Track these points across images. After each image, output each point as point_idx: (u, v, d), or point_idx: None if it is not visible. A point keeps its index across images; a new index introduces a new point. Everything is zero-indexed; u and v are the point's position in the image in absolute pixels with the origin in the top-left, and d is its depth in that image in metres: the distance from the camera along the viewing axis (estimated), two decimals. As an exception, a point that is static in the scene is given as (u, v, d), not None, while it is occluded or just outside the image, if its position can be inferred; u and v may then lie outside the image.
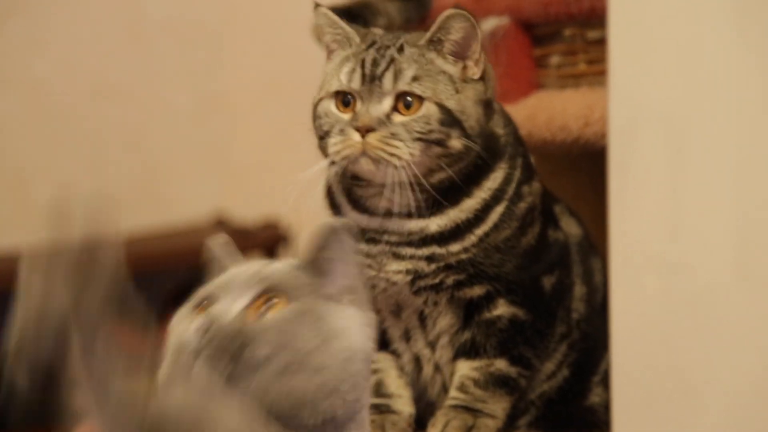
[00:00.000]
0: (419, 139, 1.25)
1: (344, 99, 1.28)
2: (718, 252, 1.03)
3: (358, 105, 1.26)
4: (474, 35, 1.27)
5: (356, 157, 1.25)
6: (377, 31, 1.33)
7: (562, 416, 1.36)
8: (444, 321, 1.33)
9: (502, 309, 1.32)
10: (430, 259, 1.28)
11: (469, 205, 1.29)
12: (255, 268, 0.97)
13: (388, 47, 1.28)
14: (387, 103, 1.26)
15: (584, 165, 1.61)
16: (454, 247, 1.28)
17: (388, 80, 1.26)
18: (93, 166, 3.35)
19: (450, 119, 1.26)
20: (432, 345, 1.34)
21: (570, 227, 1.40)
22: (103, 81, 3.34)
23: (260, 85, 3.39)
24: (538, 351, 1.33)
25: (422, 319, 1.33)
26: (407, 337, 1.35)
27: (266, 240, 3.10)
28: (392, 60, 1.27)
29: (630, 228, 1.06)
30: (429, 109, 1.26)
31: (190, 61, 3.37)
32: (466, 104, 1.27)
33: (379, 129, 1.25)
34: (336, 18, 1.31)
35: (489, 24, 1.55)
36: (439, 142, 1.26)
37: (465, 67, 1.28)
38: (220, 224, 3.30)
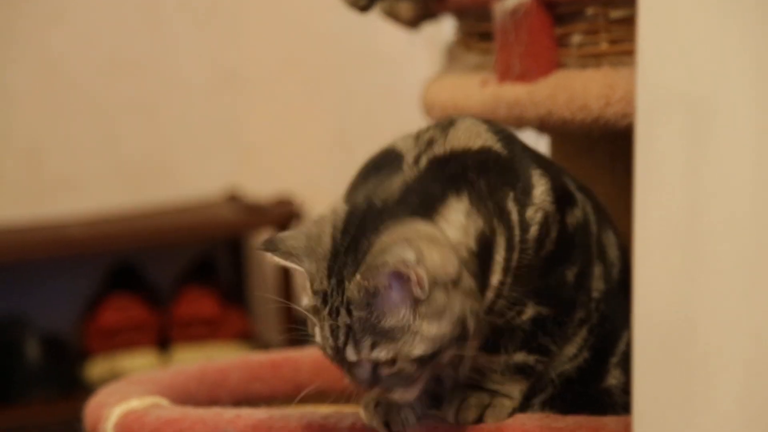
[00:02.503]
0: (414, 382, 1.20)
1: None
2: (741, 230, 1.03)
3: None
4: (397, 273, 1.15)
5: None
6: (322, 251, 1.20)
7: (578, 398, 1.35)
8: None
9: (529, 312, 1.27)
10: None
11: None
12: None
13: (338, 309, 1.17)
14: (366, 366, 1.19)
15: (604, 146, 1.61)
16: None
17: (350, 353, 1.18)
18: (107, 141, 3.35)
19: (426, 358, 1.18)
20: None
21: (584, 204, 1.34)
22: (119, 56, 3.33)
23: (275, 61, 3.38)
24: (556, 338, 1.31)
25: None
26: None
27: (279, 216, 3.10)
28: (347, 328, 1.17)
29: (655, 207, 1.06)
30: (402, 364, 1.18)
31: (205, 36, 3.37)
32: (433, 332, 1.17)
33: (374, 386, 1.20)
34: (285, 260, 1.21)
35: (510, 2, 1.54)
36: (432, 369, 1.20)
37: (413, 294, 1.17)
38: (233, 200, 3.30)
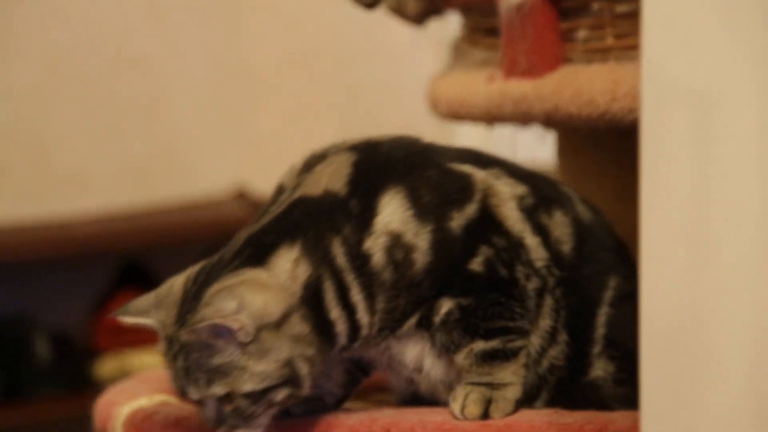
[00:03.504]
0: (252, 419, 1.28)
1: None
2: (747, 224, 1.03)
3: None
4: (217, 325, 1.26)
5: None
6: (168, 305, 1.31)
7: (568, 395, 1.36)
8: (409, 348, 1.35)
9: (446, 306, 1.32)
10: None
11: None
12: None
13: (178, 353, 1.28)
14: (211, 404, 1.28)
15: (610, 141, 1.61)
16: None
17: (191, 392, 1.28)
18: (114, 138, 3.35)
19: (257, 394, 1.27)
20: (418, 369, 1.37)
21: (504, 187, 1.36)
22: (124, 51, 3.33)
23: (281, 57, 3.38)
24: (509, 315, 1.33)
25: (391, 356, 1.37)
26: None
27: (286, 213, 3.09)
28: (186, 370, 1.27)
29: (661, 201, 1.06)
30: (236, 400, 1.27)
31: (211, 32, 3.37)
32: (260, 369, 1.27)
33: (220, 424, 1.29)
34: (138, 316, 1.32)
35: (515, -3, 1.54)
36: (268, 407, 1.28)
37: (238, 336, 1.26)
38: (241, 197, 3.30)
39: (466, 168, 1.36)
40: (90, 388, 2.94)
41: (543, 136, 1.77)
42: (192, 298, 1.28)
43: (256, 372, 1.26)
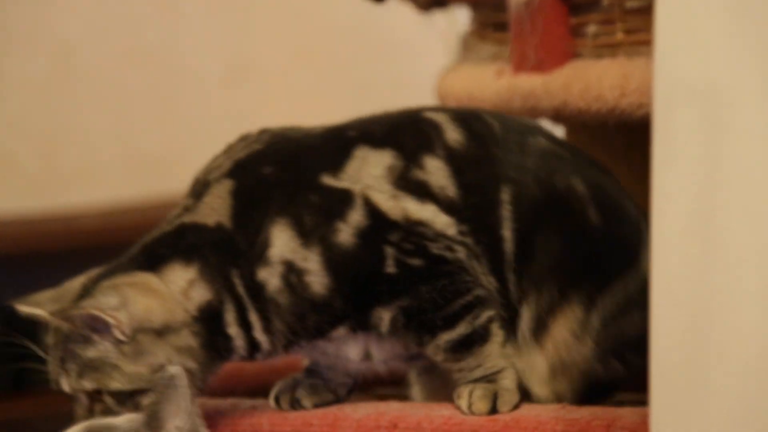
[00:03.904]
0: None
1: None
2: (759, 219, 1.03)
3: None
4: (96, 316, 1.29)
5: None
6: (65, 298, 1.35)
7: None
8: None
9: (386, 315, 1.33)
10: None
11: None
12: None
13: (57, 343, 1.32)
14: (82, 399, 1.31)
15: (619, 136, 1.60)
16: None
17: (63, 383, 1.31)
18: (121, 132, 3.35)
19: (125, 394, 1.29)
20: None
21: (375, 169, 1.35)
22: (132, 46, 3.33)
23: (289, 53, 3.38)
24: (459, 292, 1.32)
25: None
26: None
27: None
28: (61, 360, 1.31)
29: (672, 197, 1.06)
30: (105, 397, 1.29)
31: (218, 28, 3.37)
32: (131, 369, 1.29)
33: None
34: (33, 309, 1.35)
35: (525, -8, 1.54)
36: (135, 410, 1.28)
37: (114, 334, 1.29)
38: (248, 191, 3.30)
39: (345, 182, 1.35)
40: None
41: (551, 131, 1.77)
42: (83, 294, 1.33)
43: (127, 372, 1.29)
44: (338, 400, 1.39)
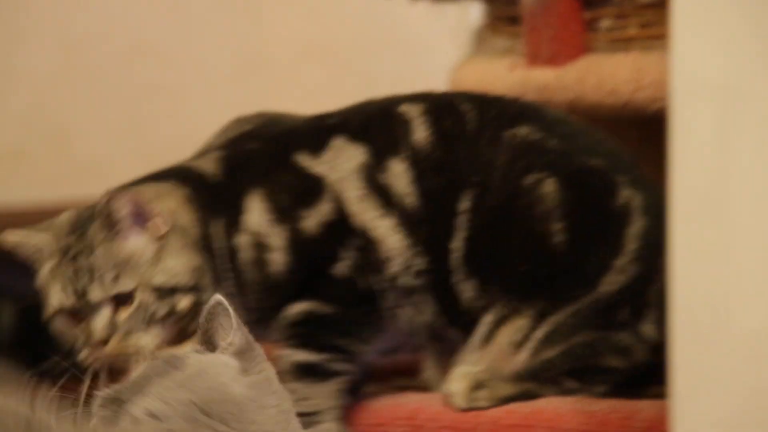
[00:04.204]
0: (152, 323, 1.28)
1: (73, 313, 1.30)
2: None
3: (88, 319, 1.29)
4: (138, 201, 1.29)
5: (109, 366, 1.28)
6: (62, 224, 1.33)
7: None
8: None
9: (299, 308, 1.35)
10: None
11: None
12: None
13: (81, 253, 1.29)
14: (106, 311, 1.28)
15: (633, 130, 1.61)
16: None
17: (94, 291, 1.28)
18: (133, 124, 3.36)
19: (165, 291, 1.28)
20: None
21: (347, 164, 1.36)
22: (143, 38, 3.34)
23: (299, 46, 3.38)
24: (351, 334, 1.34)
25: None
26: None
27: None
28: (90, 268, 1.28)
29: (689, 190, 1.06)
30: (142, 295, 1.28)
31: (228, 21, 3.37)
32: (172, 264, 1.29)
33: (112, 335, 1.28)
34: (24, 235, 1.35)
35: (539, -14, 1.55)
36: (170, 313, 1.28)
37: (152, 228, 1.29)
38: (258, 184, 3.30)
39: (320, 167, 1.35)
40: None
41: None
42: (92, 214, 1.30)
43: (170, 266, 1.28)
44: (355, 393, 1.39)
